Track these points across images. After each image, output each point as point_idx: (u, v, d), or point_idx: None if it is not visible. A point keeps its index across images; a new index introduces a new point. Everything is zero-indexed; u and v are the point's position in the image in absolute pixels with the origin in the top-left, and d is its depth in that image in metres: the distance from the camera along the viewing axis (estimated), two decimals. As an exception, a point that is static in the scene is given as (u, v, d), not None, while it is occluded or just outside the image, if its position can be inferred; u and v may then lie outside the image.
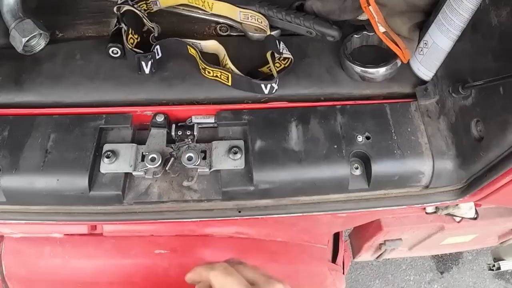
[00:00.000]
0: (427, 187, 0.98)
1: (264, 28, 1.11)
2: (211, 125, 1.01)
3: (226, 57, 1.03)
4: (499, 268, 1.90)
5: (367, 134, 0.96)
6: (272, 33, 1.10)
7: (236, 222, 1.21)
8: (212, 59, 1.05)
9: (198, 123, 1.01)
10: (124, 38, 1.02)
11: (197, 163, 0.93)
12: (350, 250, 1.84)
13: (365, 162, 0.96)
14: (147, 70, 1.02)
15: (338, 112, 0.99)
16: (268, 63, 1.00)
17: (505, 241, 1.83)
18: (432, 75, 1.03)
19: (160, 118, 0.98)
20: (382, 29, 1.04)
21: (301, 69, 1.07)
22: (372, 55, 1.08)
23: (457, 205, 1.27)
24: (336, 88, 1.05)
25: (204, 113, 1.01)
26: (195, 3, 1.15)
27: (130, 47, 1.02)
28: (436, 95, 1.01)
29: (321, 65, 1.08)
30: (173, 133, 1.00)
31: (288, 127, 0.97)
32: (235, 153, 0.94)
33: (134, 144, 0.96)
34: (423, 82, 1.05)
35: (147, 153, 0.94)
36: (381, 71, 1.03)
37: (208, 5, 1.14)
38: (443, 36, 0.96)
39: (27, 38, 1.03)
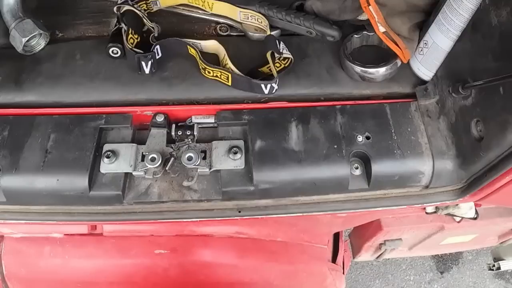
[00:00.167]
0: (427, 187, 0.98)
1: (264, 28, 1.11)
2: (211, 125, 1.02)
3: (226, 57, 1.03)
4: (499, 268, 1.90)
5: (367, 134, 0.96)
6: (272, 33, 1.10)
7: (236, 222, 1.21)
8: (212, 59, 1.05)
9: (198, 123, 1.01)
10: (124, 38, 1.02)
11: (197, 163, 0.93)
12: (350, 250, 1.84)
13: (365, 162, 0.96)
14: (147, 70, 1.02)
15: (338, 112, 0.99)
16: (268, 63, 1.00)
17: (505, 241, 1.83)
18: (432, 75, 1.03)
19: (160, 118, 0.98)
20: (382, 29, 1.04)
21: (301, 69, 1.07)
22: (372, 55, 1.08)
23: (457, 205, 1.27)
24: (336, 88, 1.05)
25: (204, 113, 1.01)
26: (195, 3, 1.15)
27: (130, 47, 1.02)
28: (436, 95, 1.01)
29: (321, 65, 1.08)
30: (173, 133, 1.00)
31: (288, 127, 0.97)
32: (235, 153, 0.94)
33: (134, 144, 0.96)
34: (423, 82, 1.05)
35: (147, 153, 0.94)
36: (381, 71, 1.03)
37: (208, 5, 1.14)
38: (443, 36, 0.96)
39: (27, 38, 1.03)
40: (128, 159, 0.93)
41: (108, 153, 0.93)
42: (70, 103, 1.01)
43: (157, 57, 1.03)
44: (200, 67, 1.04)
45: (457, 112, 0.96)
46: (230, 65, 1.02)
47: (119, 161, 0.93)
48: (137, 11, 1.06)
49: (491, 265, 1.94)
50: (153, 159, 0.93)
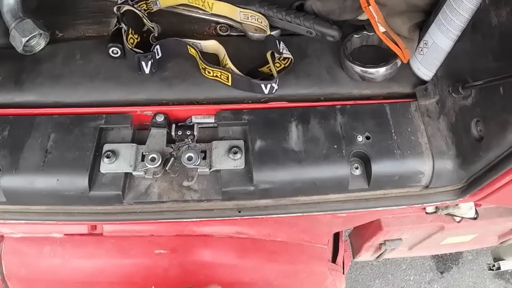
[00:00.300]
0: (427, 187, 0.98)
1: (264, 28, 1.11)
2: (211, 125, 1.02)
3: (226, 57, 1.03)
4: (499, 268, 1.90)
5: (367, 134, 0.96)
6: (272, 33, 1.10)
7: (236, 222, 1.21)
8: (212, 59, 1.05)
9: (198, 123, 1.01)
10: (124, 38, 1.02)
11: (197, 163, 0.93)
12: (350, 250, 1.84)
13: (365, 162, 0.96)
14: (147, 70, 1.02)
15: (338, 112, 0.99)
16: (268, 63, 1.00)
17: (505, 241, 1.83)
18: (432, 75, 1.03)
19: (160, 118, 0.98)
20: (382, 29, 1.04)
21: (301, 69, 1.07)
22: (372, 55, 1.08)
23: (457, 205, 1.27)
24: (336, 88, 1.05)
25: (204, 113, 1.01)
26: (195, 3, 1.15)
27: (130, 47, 1.02)
28: (436, 95, 1.01)
29: (321, 65, 1.08)
30: (173, 133, 1.00)
31: (288, 127, 0.97)
32: (235, 153, 0.94)
33: (134, 144, 0.96)
34: (423, 82, 1.05)
35: (147, 153, 0.94)
36: (381, 71, 1.03)
37: (208, 5, 1.14)
38: (443, 36, 0.96)
39: (27, 38, 1.03)
40: (128, 159, 0.93)
41: (108, 153, 0.93)
42: (70, 103, 1.01)
43: (157, 57, 1.03)
44: (200, 67, 1.04)
45: (457, 112, 0.96)
46: (230, 65, 1.02)
47: (119, 161, 0.93)
48: (137, 11, 1.06)
49: (491, 265, 1.94)
50: (153, 159, 0.93)
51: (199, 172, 0.96)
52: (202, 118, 1.01)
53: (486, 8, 0.87)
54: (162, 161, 0.93)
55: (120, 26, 1.05)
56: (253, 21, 1.13)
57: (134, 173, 0.93)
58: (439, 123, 0.99)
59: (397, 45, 1.02)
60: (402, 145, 0.95)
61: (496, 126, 0.84)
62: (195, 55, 1.04)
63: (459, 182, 0.98)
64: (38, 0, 1.18)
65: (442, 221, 1.48)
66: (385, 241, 1.65)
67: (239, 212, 0.97)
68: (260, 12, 1.11)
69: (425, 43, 1.01)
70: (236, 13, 1.13)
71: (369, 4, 1.02)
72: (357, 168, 0.96)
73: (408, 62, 1.06)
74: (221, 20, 1.16)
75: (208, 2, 1.13)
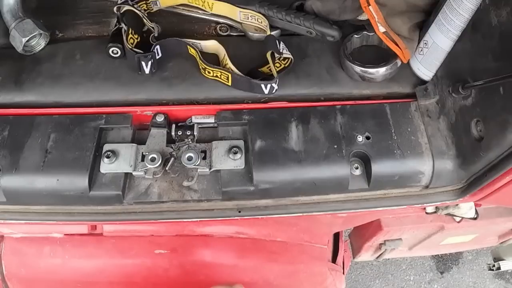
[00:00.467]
0: (427, 187, 0.98)
1: (264, 28, 1.11)
2: (211, 125, 1.02)
3: (226, 57, 1.03)
4: (499, 268, 1.90)
5: (367, 134, 0.96)
6: (272, 33, 1.10)
7: (236, 222, 1.21)
8: (212, 59, 1.05)
9: (198, 123, 1.01)
10: (124, 38, 1.02)
11: (197, 163, 0.93)
12: (350, 250, 1.84)
13: (365, 162, 0.96)
14: (147, 70, 1.02)
15: (338, 112, 0.99)
16: (268, 63, 1.00)
17: (505, 241, 1.83)
18: (432, 75, 1.03)
19: (160, 118, 0.99)
20: (382, 29, 1.04)
21: (301, 69, 1.07)
22: (372, 55, 1.08)
23: (457, 205, 1.27)
24: (336, 88, 1.05)
25: (204, 113, 1.01)
26: (195, 3, 1.15)
27: (130, 47, 1.02)
28: (436, 95, 1.01)
29: (321, 65, 1.08)
30: (173, 133, 1.00)
31: (288, 127, 0.97)
32: (235, 153, 0.94)
33: (134, 144, 0.96)
34: (423, 82, 1.05)
35: (147, 153, 0.94)
36: (381, 71, 1.03)
37: (208, 5, 1.14)
38: (443, 36, 0.96)
39: (27, 38, 1.03)
40: (128, 159, 0.93)
41: (108, 153, 0.93)
42: (70, 103, 1.01)
43: (157, 57, 1.03)
44: (200, 67, 1.04)
45: (457, 112, 0.96)
46: (230, 65, 1.02)
47: (119, 161, 0.93)
48: (137, 11, 1.06)
49: (491, 265, 1.94)
50: (153, 159, 0.93)
51: (199, 172, 0.96)
52: (202, 118, 1.01)
53: (486, 8, 0.87)
54: (162, 161, 0.93)
55: (120, 26, 1.05)
56: (253, 21, 1.13)
57: (134, 173, 0.93)
58: (439, 123, 0.99)
59: (397, 45, 1.02)
60: (402, 145, 0.95)
61: (496, 126, 0.84)
62: (195, 55, 1.04)
63: (459, 182, 0.98)
64: (38, 0, 1.18)
65: (442, 221, 1.48)
66: (385, 241, 1.65)
67: (239, 212, 0.97)
68: (260, 12, 1.11)
69: (425, 43, 1.01)
70: (236, 13, 1.13)
71: (369, 4, 1.02)
72: (357, 168, 0.96)
73: (408, 62, 1.06)
74: (221, 20, 1.16)
75: (208, 2, 1.13)
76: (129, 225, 1.17)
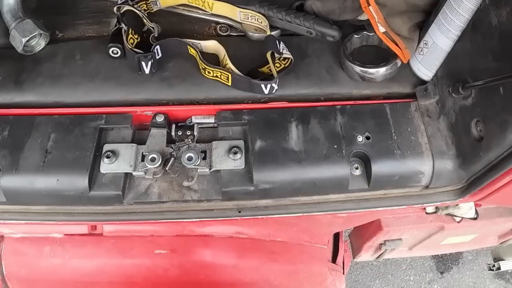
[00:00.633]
0: (427, 187, 0.98)
1: (264, 28, 1.11)
2: (211, 125, 1.01)
3: (226, 57, 1.03)
4: (499, 268, 1.90)
5: (367, 134, 0.96)
6: (272, 33, 1.10)
7: (236, 222, 1.21)
8: (212, 59, 1.05)
9: (198, 123, 1.01)
10: (124, 38, 1.02)
11: (197, 163, 0.93)
12: (350, 250, 1.84)
13: (365, 162, 0.96)
14: (147, 70, 1.02)
15: (338, 112, 0.99)
16: (268, 63, 1.00)
17: (505, 241, 1.83)
18: (432, 75, 1.03)
19: (160, 118, 0.98)
20: (382, 29, 1.04)
21: (301, 69, 1.07)
22: (372, 55, 1.08)
23: (457, 205, 1.27)
24: (336, 88, 1.05)
25: (204, 113, 1.01)
26: (195, 3, 1.15)
27: (130, 47, 1.02)
28: (436, 95, 1.01)
29: (321, 65, 1.08)
30: (173, 133, 1.00)
31: (288, 127, 0.97)
32: (235, 153, 0.94)
33: (134, 144, 0.96)
34: (423, 82, 1.05)
35: (147, 153, 0.94)
36: (381, 71, 1.03)
37: (208, 5, 1.14)
38: (443, 36, 0.96)
39: (27, 38, 1.03)
40: (128, 159, 0.93)
41: (108, 153, 0.93)
42: (70, 103, 1.01)
43: (157, 57, 1.03)
44: (200, 67, 1.04)
45: (457, 112, 0.96)
46: (230, 65, 1.02)
47: (119, 161, 0.93)
48: (137, 11, 1.06)
49: (491, 265, 1.94)
50: (153, 159, 0.93)
51: (199, 172, 0.95)
52: (202, 118, 1.01)
53: (486, 8, 0.87)
54: (162, 161, 0.93)
55: (120, 26, 1.05)
56: (253, 21, 1.13)
57: (134, 173, 0.93)
58: (439, 123, 0.99)
59: (397, 45, 1.02)
60: (402, 145, 0.95)
61: (496, 126, 0.84)
62: (195, 55, 1.04)
63: (459, 182, 0.98)
64: (38, 0, 1.18)
65: (442, 221, 1.48)
66: (385, 241, 1.65)
67: (239, 212, 0.97)
68: (260, 12, 1.11)
69: (425, 43, 1.01)
70: (236, 13, 1.13)
71: (369, 4, 1.02)
72: (357, 168, 0.96)
73: (408, 62, 1.06)
74: (221, 20, 1.16)
75: (208, 2, 1.13)
76: (129, 225, 1.17)
